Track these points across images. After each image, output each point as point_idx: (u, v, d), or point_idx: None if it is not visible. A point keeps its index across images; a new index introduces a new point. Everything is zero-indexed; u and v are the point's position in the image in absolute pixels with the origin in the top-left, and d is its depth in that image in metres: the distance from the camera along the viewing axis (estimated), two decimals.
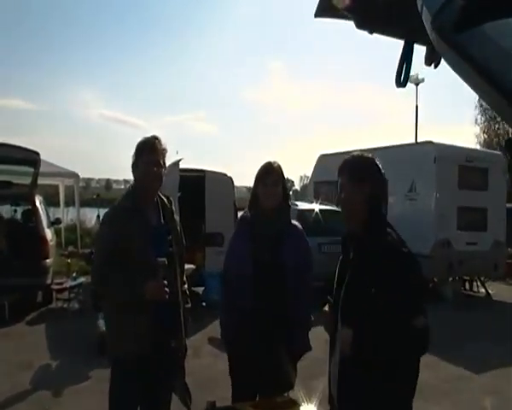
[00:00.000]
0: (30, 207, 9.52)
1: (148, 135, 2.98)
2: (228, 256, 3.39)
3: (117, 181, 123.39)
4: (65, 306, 8.94)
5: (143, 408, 2.99)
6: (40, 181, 9.90)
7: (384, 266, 2.10)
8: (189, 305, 3.18)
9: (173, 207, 3.13)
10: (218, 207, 9.55)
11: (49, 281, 8.97)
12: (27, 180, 9.09)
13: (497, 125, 38.43)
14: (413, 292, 2.12)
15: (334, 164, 11.87)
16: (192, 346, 3.20)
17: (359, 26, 1.55)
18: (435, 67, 1.57)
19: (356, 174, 2.28)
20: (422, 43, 1.51)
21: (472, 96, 47.05)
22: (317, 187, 14.28)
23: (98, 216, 19.23)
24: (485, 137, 38.77)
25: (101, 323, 6.49)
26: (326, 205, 11.46)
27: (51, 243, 9.46)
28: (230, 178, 10.30)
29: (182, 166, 9.11)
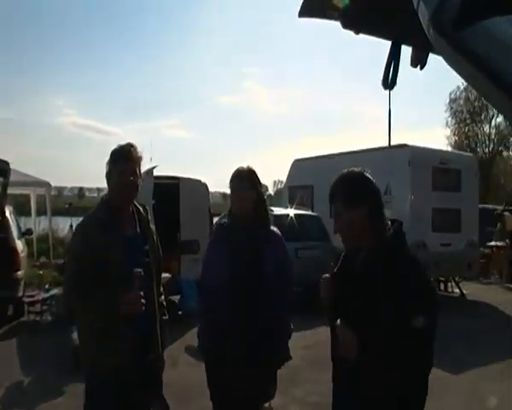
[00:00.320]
0: None
1: (123, 142, 2.88)
2: (204, 267, 3.33)
3: (90, 189, 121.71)
4: (37, 319, 8.71)
5: None
6: (10, 191, 9.71)
7: (399, 277, 1.98)
8: (167, 317, 3.08)
9: (149, 217, 3.04)
10: (193, 214, 9.46)
11: (20, 293, 8.77)
12: None
13: (467, 128, 39.22)
14: (425, 304, 2.01)
15: (308, 168, 11.99)
16: (169, 355, 3.12)
17: (346, 26, 1.51)
18: (421, 68, 1.55)
19: (349, 199, 2.14)
20: (409, 44, 1.49)
21: (443, 99, 47.92)
22: (291, 192, 14.30)
23: (71, 225, 18.96)
24: (456, 139, 39.49)
25: (76, 335, 6.32)
26: (301, 209, 11.48)
27: (22, 255, 9.24)
28: (205, 185, 10.24)
29: (156, 173, 9.01)
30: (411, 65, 1.56)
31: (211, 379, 3.23)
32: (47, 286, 9.19)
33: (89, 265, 2.62)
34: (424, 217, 11.01)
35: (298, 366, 2.86)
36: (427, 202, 11.05)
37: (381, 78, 1.54)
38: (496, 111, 38.09)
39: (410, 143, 11.60)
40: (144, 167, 2.98)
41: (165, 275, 6.42)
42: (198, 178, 10.21)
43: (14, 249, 8.73)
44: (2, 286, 8.16)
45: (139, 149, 2.85)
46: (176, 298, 9.38)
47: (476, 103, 38.21)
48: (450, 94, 39.07)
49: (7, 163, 8.53)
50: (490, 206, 18.94)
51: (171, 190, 9.41)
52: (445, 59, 1.06)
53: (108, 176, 2.82)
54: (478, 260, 12.68)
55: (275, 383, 3.28)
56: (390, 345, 1.94)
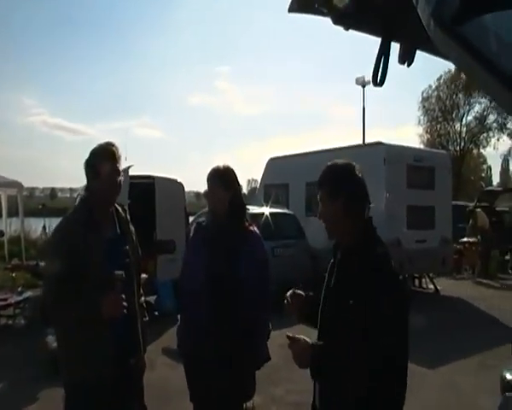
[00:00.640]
0: None
1: (100, 142, 2.80)
2: (183, 267, 3.30)
3: (62, 190, 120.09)
4: (10, 322, 8.52)
5: None
6: None
7: (365, 280, 2.00)
8: (147, 318, 3.03)
9: (128, 217, 2.98)
10: (169, 213, 9.38)
11: None
12: None
13: (438, 126, 39.91)
14: (388, 315, 1.98)
15: (283, 167, 12.00)
16: (146, 357, 3.07)
17: (336, 21, 1.50)
18: (408, 65, 1.54)
19: (329, 188, 2.19)
20: (398, 41, 1.48)
21: (416, 98, 48.52)
22: (267, 190, 14.30)
23: (44, 226, 18.67)
24: (428, 137, 40.13)
25: (51, 339, 6.20)
26: (277, 208, 11.48)
27: None
28: (181, 184, 10.17)
29: (130, 173, 8.89)
30: (399, 62, 1.56)
31: (190, 380, 3.20)
32: (20, 289, 8.99)
33: (68, 267, 2.55)
34: (399, 214, 11.11)
35: (276, 365, 2.84)
36: (402, 199, 11.14)
37: (371, 74, 1.53)
38: (466, 110, 39.05)
39: (384, 140, 11.70)
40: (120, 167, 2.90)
41: (141, 276, 6.35)
42: (173, 177, 10.14)
43: None
44: None
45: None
46: (152, 299, 9.29)
47: (447, 102, 38.93)
48: (423, 93, 39.74)
49: None
50: (461, 202, 19.25)
51: (146, 190, 9.31)
52: (446, 53, 1.06)
53: (92, 176, 2.74)
54: (452, 256, 12.87)
55: (254, 383, 3.27)
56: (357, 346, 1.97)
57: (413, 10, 1.28)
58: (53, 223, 17.96)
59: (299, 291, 2.42)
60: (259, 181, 15.61)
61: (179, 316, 3.40)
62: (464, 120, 39.45)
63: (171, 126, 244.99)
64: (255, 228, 3.31)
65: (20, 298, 8.47)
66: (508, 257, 15.87)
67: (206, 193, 3.24)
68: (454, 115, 39.54)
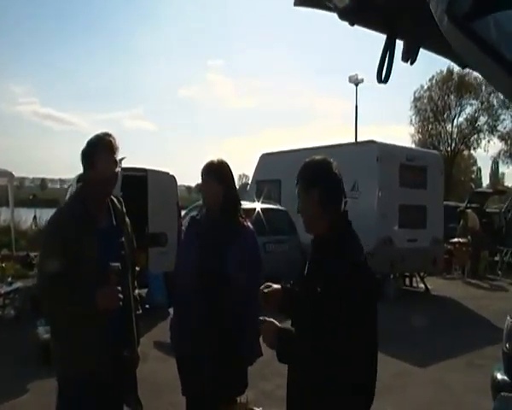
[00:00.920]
0: None
1: (97, 132, 2.76)
2: (176, 262, 3.29)
3: (52, 180, 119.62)
4: None
5: None
6: None
7: (333, 269, 2.09)
8: (140, 311, 3.01)
9: (123, 209, 2.96)
10: (161, 206, 9.34)
11: None
12: None
13: (430, 126, 40.10)
14: (354, 304, 2.05)
15: (275, 163, 11.99)
16: (139, 351, 3.03)
17: (342, 16, 1.49)
18: (411, 63, 1.54)
19: (305, 182, 2.28)
20: (402, 38, 1.48)
21: (408, 97, 48.68)
22: (259, 186, 14.29)
23: (35, 217, 18.56)
24: (420, 137, 40.33)
25: (42, 330, 6.17)
26: (269, 204, 11.48)
27: None
28: (173, 177, 10.10)
29: (122, 165, 8.84)
30: (402, 59, 1.56)
31: (183, 375, 3.19)
32: (10, 279, 8.93)
33: (63, 260, 2.52)
34: (391, 213, 11.15)
35: (266, 360, 2.84)
36: (394, 198, 11.16)
37: (376, 71, 1.53)
38: (457, 111, 39.28)
39: (377, 139, 11.73)
40: None
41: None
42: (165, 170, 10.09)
43: None
44: None
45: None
46: (143, 291, 9.26)
47: (439, 103, 39.13)
48: (415, 93, 39.89)
49: None
50: (452, 203, 19.36)
51: (138, 182, 9.26)
52: (459, 50, 1.07)
53: (88, 167, 2.70)
54: (442, 256, 12.92)
55: (246, 378, 3.26)
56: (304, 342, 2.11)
57: (417, 8, 1.29)
58: (44, 214, 17.96)
59: (275, 286, 2.48)
60: (251, 177, 15.58)
61: (171, 310, 3.39)
62: (455, 121, 39.75)
63: (163, 119, 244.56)
64: (249, 223, 3.30)
65: (9, 288, 8.41)
66: (497, 258, 15.98)
67: (200, 187, 3.22)
68: (445, 116, 39.77)
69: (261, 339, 2.29)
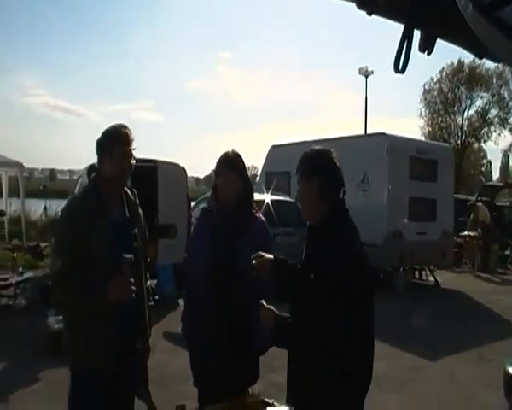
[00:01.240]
0: None
1: (114, 123, 2.76)
2: (187, 256, 3.27)
3: (61, 171, 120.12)
4: (10, 303, 8.49)
5: None
6: None
7: (327, 256, 2.13)
8: (152, 303, 3.00)
9: (137, 200, 2.95)
10: (171, 198, 9.33)
11: None
12: None
13: (440, 119, 39.83)
14: (347, 292, 2.08)
15: (285, 154, 11.96)
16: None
17: (361, 6, 1.48)
18: (428, 54, 1.52)
19: (305, 171, 2.32)
20: (420, 29, 1.47)
21: (418, 90, 48.40)
22: (268, 177, 14.27)
23: (45, 208, 18.66)
24: (430, 129, 40.08)
25: (52, 320, 6.20)
26: (278, 195, 11.46)
27: None
28: (183, 169, 10.09)
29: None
30: (419, 50, 1.55)
31: (195, 369, 3.18)
32: (21, 269, 8.97)
33: (75, 251, 2.51)
34: (401, 206, 11.09)
35: (275, 352, 2.84)
36: (404, 191, 11.11)
37: (393, 61, 1.52)
38: (468, 104, 38.99)
39: (387, 131, 11.64)
40: None
41: None
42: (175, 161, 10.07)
43: None
44: None
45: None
46: (152, 283, 9.29)
47: (449, 95, 38.83)
48: (424, 85, 39.62)
49: None
50: (462, 196, 19.26)
51: (148, 173, 9.25)
52: (484, 39, 1.06)
53: (103, 159, 2.68)
54: (452, 250, 12.88)
55: (258, 368, 3.26)
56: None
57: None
58: (53, 205, 18.05)
59: (267, 255, 2.55)
60: (260, 168, 15.57)
61: (183, 302, 3.38)
62: (466, 113, 39.44)
63: (173, 111, 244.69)
64: (260, 215, 3.28)
65: (20, 279, 8.44)
66: (507, 252, 15.91)
67: (215, 179, 3.19)
68: (456, 108, 39.48)
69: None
